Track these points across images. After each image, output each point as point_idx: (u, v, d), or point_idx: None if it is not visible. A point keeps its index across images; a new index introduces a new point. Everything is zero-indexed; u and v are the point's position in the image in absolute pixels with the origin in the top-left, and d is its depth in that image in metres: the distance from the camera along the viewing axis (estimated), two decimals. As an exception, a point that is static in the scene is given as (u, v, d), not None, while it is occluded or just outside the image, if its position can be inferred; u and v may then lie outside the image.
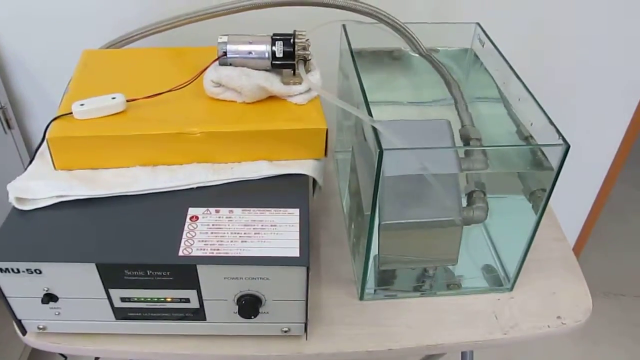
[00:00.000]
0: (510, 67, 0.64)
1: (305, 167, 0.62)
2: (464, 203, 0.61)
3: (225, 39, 0.62)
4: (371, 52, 0.73)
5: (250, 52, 0.62)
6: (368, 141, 0.57)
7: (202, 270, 0.52)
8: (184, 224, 0.55)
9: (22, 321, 0.57)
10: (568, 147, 0.53)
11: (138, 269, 0.52)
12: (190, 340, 0.59)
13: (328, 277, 0.67)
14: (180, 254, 0.52)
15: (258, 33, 0.63)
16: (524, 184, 0.61)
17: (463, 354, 0.83)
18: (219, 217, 0.56)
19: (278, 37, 0.62)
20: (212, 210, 0.57)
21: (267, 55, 0.62)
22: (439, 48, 0.74)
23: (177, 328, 0.58)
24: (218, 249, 0.53)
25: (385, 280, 0.68)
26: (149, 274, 0.52)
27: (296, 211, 0.57)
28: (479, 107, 0.68)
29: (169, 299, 0.55)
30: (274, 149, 0.62)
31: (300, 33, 0.62)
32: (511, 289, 0.66)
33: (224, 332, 0.59)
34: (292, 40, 0.62)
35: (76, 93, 0.63)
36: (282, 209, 0.57)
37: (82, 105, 0.60)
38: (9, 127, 0.95)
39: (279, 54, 0.62)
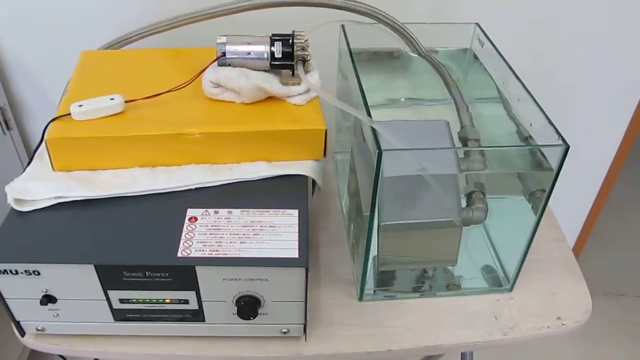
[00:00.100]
0: (510, 68, 0.64)
1: (304, 167, 0.62)
2: (464, 204, 0.61)
3: (224, 39, 0.62)
4: (370, 53, 0.73)
5: (249, 53, 0.62)
6: (367, 142, 0.57)
7: (201, 272, 0.52)
8: (183, 225, 0.55)
9: (21, 322, 0.57)
10: (567, 148, 0.52)
11: (137, 270, 0.52)
12: (189, 341, 0.59)
13: (327, 278, 0.67)
14: (179, 255, 0.52)
15: (257, 34, 0.63)
16: (523, 184, 0.61)
17: (463, 354, 0.83)
18: (218, 218, 0.56)
19: (277, 38, 0.62)
20: (211, 211, 0.57)
21: (266, 55, 0.62)
22: (438, 48, 0.74)
23: (176, 329, 0.58)
24: (217, 250, 0.52)
25: (385, 281, 0.68)
26: (147, 275, 0.52)
27: (295, 212, 0.57)
28: (478, 107, 0.68)
29: (167, 300, 0.55)
30: (273, 149, 0.62)
31: (299, 33, 0.62)
32: (511, 289, 0.66)
33: (223, 333, 0.58)
34: (291, 41, 0.62)
35: (75, 94, 0.63)
36: (281, 210, 0.57)
37: (80, 106, 0.60)
38: (8, 128, 0.94)
39: (278, 55, 0.62)
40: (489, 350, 1.33)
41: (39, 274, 0.52)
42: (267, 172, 0.61)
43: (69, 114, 0.60)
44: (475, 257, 0.70)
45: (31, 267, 0.52)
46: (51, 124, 0.59)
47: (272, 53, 0.62)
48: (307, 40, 0.62)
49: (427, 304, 0.64)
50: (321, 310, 0.63)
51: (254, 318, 0.55)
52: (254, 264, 0.52)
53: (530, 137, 0.59)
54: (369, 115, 0.55)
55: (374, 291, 0.66)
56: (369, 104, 0.57)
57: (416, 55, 0.73)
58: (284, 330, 0.58)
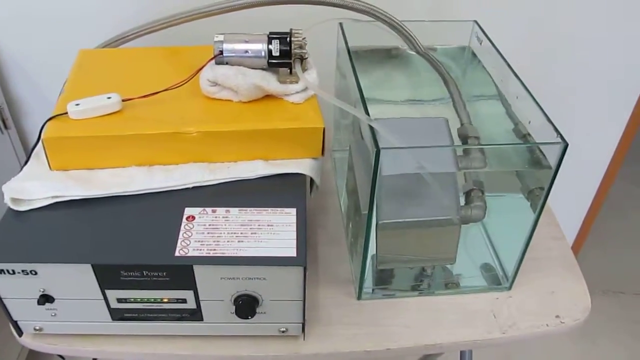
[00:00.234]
0: (508, 65, 0.63)
1: (302, 166, 0.62)
2: (462, 202, 0.61)
3: (221, 37, 0.62)
4: (368, 51, 0.73)
5: (246, 51, 0.62)
6: (365, 140, 0.57)
7: (199, 271, 0.52)
8: (181, 224, 0.55)
9: (19, 322, 0.57)
10: (566, 146, 0.52)
11: (134, 270, 0.52)
12: (188, 340, 0.59)
13: (326, 277, 0.66)
14: (177, 254, 0.52)
15: (254, 32, 0.63)
16: (522, 182, 0.61)
17: (462, 353, 0.83)
18: (216, 217, 0.56)
19: (274, 36, 0.62)
20: (209, 210, 0.56)
21: (263, 54, 0.62)
22: (437, 46, 0.74)
23: (174, 329, 0.58)
24: (214, 249, 0.52)
25: (383, 279, 0.67)
26: (145, 274, 0.52)
27: (293, 211, 0.57)
28: (477, 105, 0.68)
29: (165, 300, 0.55)
30: (271, 148, 0.62)
31: (296, 32, 0.62)
32: (510, 288, 0.66)
33: (221, 332, 0.58)
34: (288, 39, 0.62)
35: (72, 93, 0.63)
36: (279, 209, 0.57)
37: (77, 105, 0.60)
38: (6, 127, 0.94)
39: (276, 53, 0.62)
40: (488, 349, 1.33)
41: (36, 273, 0.52)
42: (265, 171, 0.60)
43: (66, 113, 0.59)
44: (474, 255, 0.70)
45: (28, 266, 0.51)
46: (48, 123, 0.59)
47: (270, 51, 0.62)
48: (304, 38, 0.62)
49: (425, 302, 0.64)
50: (320, 309, 0.63)
51: (252, 317, 0.55)
52: (252, 263, 0.52)
53: (529, 135, 0.59)
54: (367, 113, 0.55)
55: (373, 290, 0.65)
56: (367, 102, 0.56)
57: (414, 53, 0.72)
58: (282, 329, 0.58)
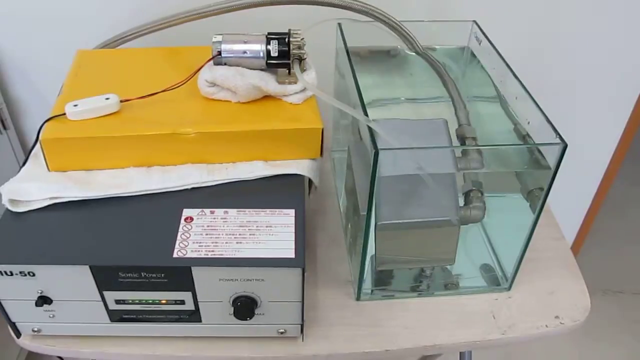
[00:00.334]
0: (507, 65, 0.63)
1: (301, 167, 0.61)
2: (461, 202, 0.61)
3: (219, 38, 0.62)
4: (367, 51, 0.73)
5: (245, 52, 0.62)
6: (364, 141, 0.57)
7: (197, 272, 0.52)
8: (179, 226, 0.55)
9: (17, 324, 0.57)
10: (565, 146, 0.52)
11: (132, 271, 0.52)
12: (186, 342, 0.59)
13: (325, 278, 0.66)
14: (175, 255, 0.52)
15: (253, 32, 0.63)
16: (521, 182, 0.61)
17: (461, 354, 0.83)
18: (214, 218, 0.55)
19: (273, 36, 0.62)
20: (207, 211, 0.56)
21: (262, 54, 0.62)
22: (436, 46, 0.74)
23: (172, 330, 0.58)
24: (213, 251, 0.52)
25: (383, 280, 0.67)
26: (143, 275, 0.52)
27: (292, 212, 0.56)
28: (476, 105, 0.67)
29: (163, 301, 0.54)
30: (269, 149, 0.61)
31: (295, 32, 0.62)
32: (509, 288, 0.66)
33: (219, 333, 0.58)
34: (287, 40, 0.61)
35: (70, 93, 0.63)
36: (277, 210, 0.57)
37: (75, 106, 0.59)
38: (5, 127, 0.94)
39: (274, 53, 0.62)
40: (487, 349, 1.33)
41: (34, 275, 0.52)
42: (264, 172, 0.60)
43: (64, 113, 0.59)
44: (473, 256, 0.70)
45: (26, 268, 0.51)
46: (46, 124, 0.59)
47: (268, 52, 0.62)
48: (303, 38, 0.62)
49: (425, 303, 0.64)
50: (319, 310, 0.62)
51: (250, 319, 0.55)
52: (250, 265, 0.51)
53: (528, 135, 0.58)
54: (366, 114, 0.55)
55: (372, 291, 0.65)
56: (365, 103, 0.56)
57: (413, 54, 0.72)
58: (281, 330, 0.58)
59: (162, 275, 0.52)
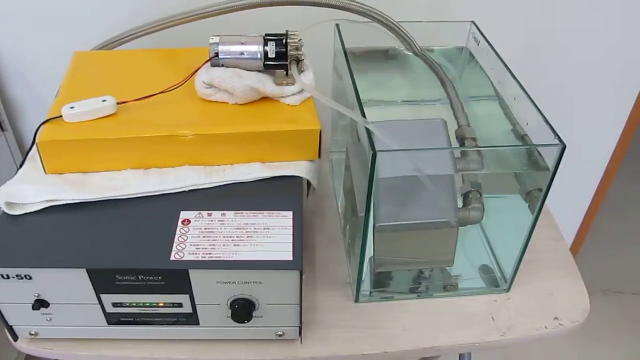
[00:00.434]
0: (506, 66, 0.63)
1: (298, 168, 0.61)
2: (460, 204, 0.61)
3: (216, 39, 0.62)
4: (365, 52, 0.73)
5: (242, 53, 0.61)
6: (362, 142, 0.57)
7: (194, 275, 0.52)
8: (176, 228, 0.54)
9: (14, 327, 0.56)
10: (564, 147, 0.52)
11: (129, 274, 0.51)
12: (184, 344, 0.58)
13: (323, 279, 0.66)
14: (172, 258, 0.51)
15: (250, 33, 0.63)
16: (520, 183, 0.60)
17: (461, 355, 0.83)
18: (211, 221, 0.55)
19: (270, 38, 0.62)
20: (205, 213, 0.56)
21: (259, 55, 0.61)
22: (434, 47, 0.73)
23: (170, 333, 0.57)
24: (210, 253, 0.52)
25: (381, 282, 0.67)
26: (140, 278, 0.52)
27: (289, 214, 0.56)
28: (475, 106, 0.67)
29: (161, 304, 0.54)
30: (267, 150, 0.61)
31: (292, 33, 0.62)
32: (508, 289, 0.66)
33: (217, 336, 0.58)
34: (284, 41, 0.61)
35: (66, 95, 0.63)
36: (275, 212, 0.56)
37: (72, 108, 0.59)
38: (2, 129, 0.94)
39: (272, 55, 0.61)
40: (487, 351, 1.33)
41: (30, 278, 0.51)
42: (261, 174, 0.60)
43: (61, 116, 0.59)
44: (472, 257, 0.70)
45: (23, 271, 0.51)
46: (42, 126, 0.59)
47: (266, 53, 0.61)
48: (300, 39, 0.61)
49: (424, 305, 0.64)
50: (317, 312, 0.62)
51: (248, 321, 0.55)
52: (248, 267, 0.51)
53: (527, 136, 0.58)
54: (364, 115, 0.54)
55: (370, 292, 0.65)
56: (363, 104, 0.56)
57: (411, 54, 0.72)
58: (279, 332, 0.57)
59: (160, 278, 0.52)
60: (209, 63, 0.62)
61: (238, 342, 0.59)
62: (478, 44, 0.70)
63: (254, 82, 0.61)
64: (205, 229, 0.54)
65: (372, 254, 0.61)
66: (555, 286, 0.66)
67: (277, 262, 0.52)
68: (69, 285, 0.52)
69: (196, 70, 0.62)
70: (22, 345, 0.58)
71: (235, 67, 0.62)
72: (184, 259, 0.51)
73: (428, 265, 0.66)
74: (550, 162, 0.54)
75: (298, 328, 0.57)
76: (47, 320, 0.55)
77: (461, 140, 0.61)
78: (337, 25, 0.70)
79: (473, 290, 0.66)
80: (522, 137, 0.59)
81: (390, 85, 0.73)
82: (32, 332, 0.57)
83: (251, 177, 0.60)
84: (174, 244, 0.53)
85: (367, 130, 0.52)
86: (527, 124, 0.58)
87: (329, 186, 0.79)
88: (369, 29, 0.70)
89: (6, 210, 0.56)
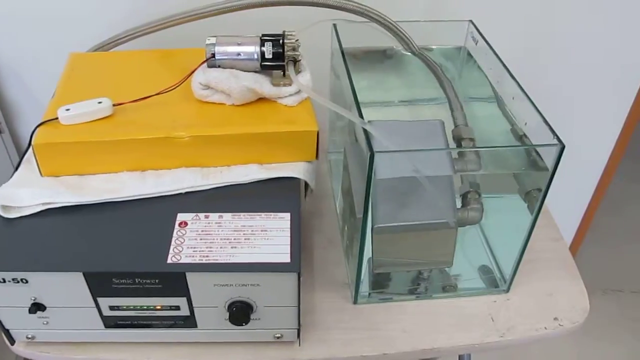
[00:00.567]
0: (504, 66, 0.63)
1: (296, 170, 0.61)
2: (459, 204, 0.60)
3: (213, 40, 0.61)
4: (363, 52, 0.72)
5: (239, 54, 0.61)
6: (360, 143, 0.56)
7: (192, 278, 0.51)
8: (173, 230, 0.54)
9: (10, 331, 0.56)
10: (563, 147, 0.52)
11: (126, 277, 0.51)
12: (182, 347, 0.58)
13: (322, 281, 0.66)
14: (169, 261, 0.51)
15: (247, 34, 0.62)
16: (519, 183, 0.60)
17: (460, 356, 0.82)
18: (209, 223, 0.55)
19: (267, 38, 0.61)
20: (202, 215, 0.56)
21: (256, 56, 0.61)
22: (432, 46, 0.73)
23: (167, 336, 0.57)
24: (207, 256, 0.52)
25: (380, 283, 0.67)
26: (137, 282, 0.51)
27: (287, 215, 0.56)
28: (473, 106, 0.67)
29: (158, 307, 0.54)
30: (264, 152, 0.61)
31: (289, 33, 0.61)
32: (507, 290, 0.65)
33: (215, 339, 0.58)
34: (281, 41, 0.61)
35: (63, 97, 0.62)
36: (272, 214, 0.56)
37: (68, 110, 0.59)
38: (-1, 131, 0.94)
39: (268, 55, 0.61)
40: (486, 352, 1.33)
41: (27, 282, 0.51)
42: (259, 175, 0.60)
43: (57, 118, 0.59)
44: (471, 257, 0.70)
45: (19, 275, 0.51)
46: (38, 128, 0.58)
47: (263, 53, 0.61)
48: (297, 40, 0.61)
49: (423, 306, 0.64)
50: (316, 314, 0.62)
51: (246, 324, 0.54)
52: (245, 270, 0.51)
53: (526, 136, 0.58)
54: (361, 115, 0.54)
55: (369, 294, 0.65)
56: (361, 104, 0.56)
57: (409, 54, 0.72)
58: (277, 335, 0.57)
59: (157, 281, 0.51)
60: (205, 64, 0.62)
61: (236, 344, 0.58)
62: (476, 44, 0.70)
63: (251, 83, 0.61)
64: (202, 231, 0.54)
65: (370, 255, 0.61)
66: (555, 286, 0.66)
67: (274, 265, 0.51)
68: (66, 289, 0.52)
69: (193, 72, 0.62)
70: (19, 349, 0.58)
71: (232, 68, 0.62)
72: (181, 261, 0.51)
73: (427, 266, 0.65)
74: (549, 162, 0.53)
75: (296, 330, 0.57)
76: (43, 324, 0.55)
77: (459, 140, 0.61)
78: (335, 25, 0.69)
79: (472, 291, 0.65)
80: (521, 137, 0.58)
81: (388, 86, 0.73)
82: (29, 336, 0.57)
83: (248, 178, 0.60)
84: (171, 247, 0.52)
85: (365, 131, 0.52)
86: (526, 124, 0.58)
87: (327, 187, 0.79)
88: (367, 29, 0.70)
89: (2, 214, 0.55)
